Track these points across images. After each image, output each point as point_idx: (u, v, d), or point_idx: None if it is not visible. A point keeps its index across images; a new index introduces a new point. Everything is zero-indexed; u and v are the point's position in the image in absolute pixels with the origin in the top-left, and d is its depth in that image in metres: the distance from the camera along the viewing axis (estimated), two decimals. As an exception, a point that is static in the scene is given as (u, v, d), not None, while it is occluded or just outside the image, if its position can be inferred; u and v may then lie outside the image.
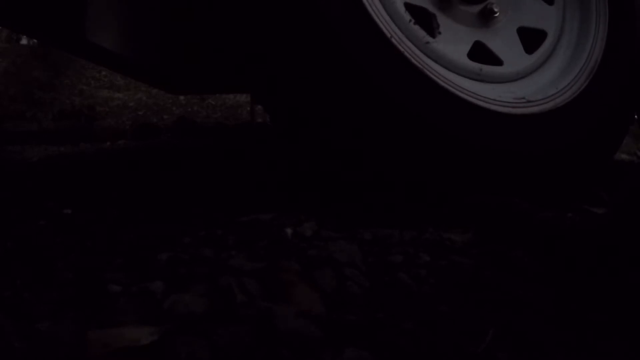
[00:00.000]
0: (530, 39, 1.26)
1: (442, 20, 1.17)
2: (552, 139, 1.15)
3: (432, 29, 1.16)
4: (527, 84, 1.21)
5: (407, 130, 1.03)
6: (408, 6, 1.14)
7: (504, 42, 1.23)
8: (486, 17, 1.21)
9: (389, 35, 1.05)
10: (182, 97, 4.16)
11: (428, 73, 1.06)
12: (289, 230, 0.99)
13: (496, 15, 1.21)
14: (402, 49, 1.06)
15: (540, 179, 1.14)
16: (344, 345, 0.60)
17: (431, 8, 1.18)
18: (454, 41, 1.16)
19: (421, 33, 1.12)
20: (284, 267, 0.80)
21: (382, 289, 0.77)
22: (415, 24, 1.12)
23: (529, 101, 1.15)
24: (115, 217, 1.16)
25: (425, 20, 1.16)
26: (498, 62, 1.22)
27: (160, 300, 0.69)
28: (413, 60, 1.06)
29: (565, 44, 1.27)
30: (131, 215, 1.17)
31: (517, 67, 1.22)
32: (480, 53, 1.21)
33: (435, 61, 1.12)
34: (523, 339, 0.64)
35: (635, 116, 1.35)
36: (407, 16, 1.12)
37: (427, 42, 1.12)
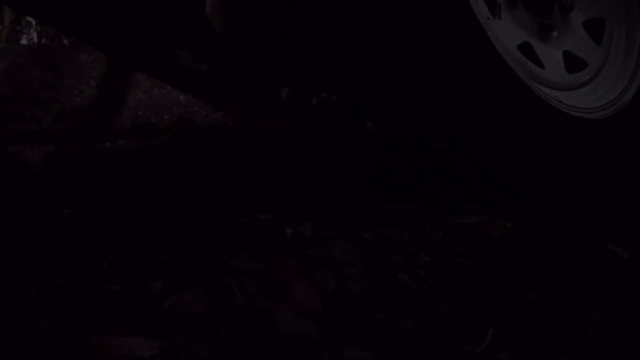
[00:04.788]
0: (573, 65, 1.40)
1: (504, 11, 1.30)
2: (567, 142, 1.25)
3: (494, 11, 1.27)
4: (560, 94, 1.33)
5: (465, 77, 1.13)
6: None
7: (550, 55, 1.36)
8: (542, 30, 1.35)
9: None
10: (182, 97, 4.15)
11: (488, 33, 1.17)
12: (288, 230, 0.99)
13: (551, 32, 1.35)
14: (472, 5, 1.17)
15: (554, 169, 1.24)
16: (344, 345, 0.60)
17: None
18: (508, 30, 1.29)
19: (484, 8, 1.23)
20: (283, 267, 0.80)
21: (382, 289, 0.77)
22: None
23: (559, 101, 1.27)
24: (115, 217, 1.16)
25: (490, 3, 1.28)
26: (541, 66, 1.33)
27: (160, 300, 0.69)
28: (479, 17, 1.17)
29: (601, 80, 1.43)
30: (131, 215, 1.17)
31: (555, 78, 1.35)
32: (526, 54, 1.31)
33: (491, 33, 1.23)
34: (523, 339, 0.64)
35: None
36: None
37: (488, 18, 1.23)
